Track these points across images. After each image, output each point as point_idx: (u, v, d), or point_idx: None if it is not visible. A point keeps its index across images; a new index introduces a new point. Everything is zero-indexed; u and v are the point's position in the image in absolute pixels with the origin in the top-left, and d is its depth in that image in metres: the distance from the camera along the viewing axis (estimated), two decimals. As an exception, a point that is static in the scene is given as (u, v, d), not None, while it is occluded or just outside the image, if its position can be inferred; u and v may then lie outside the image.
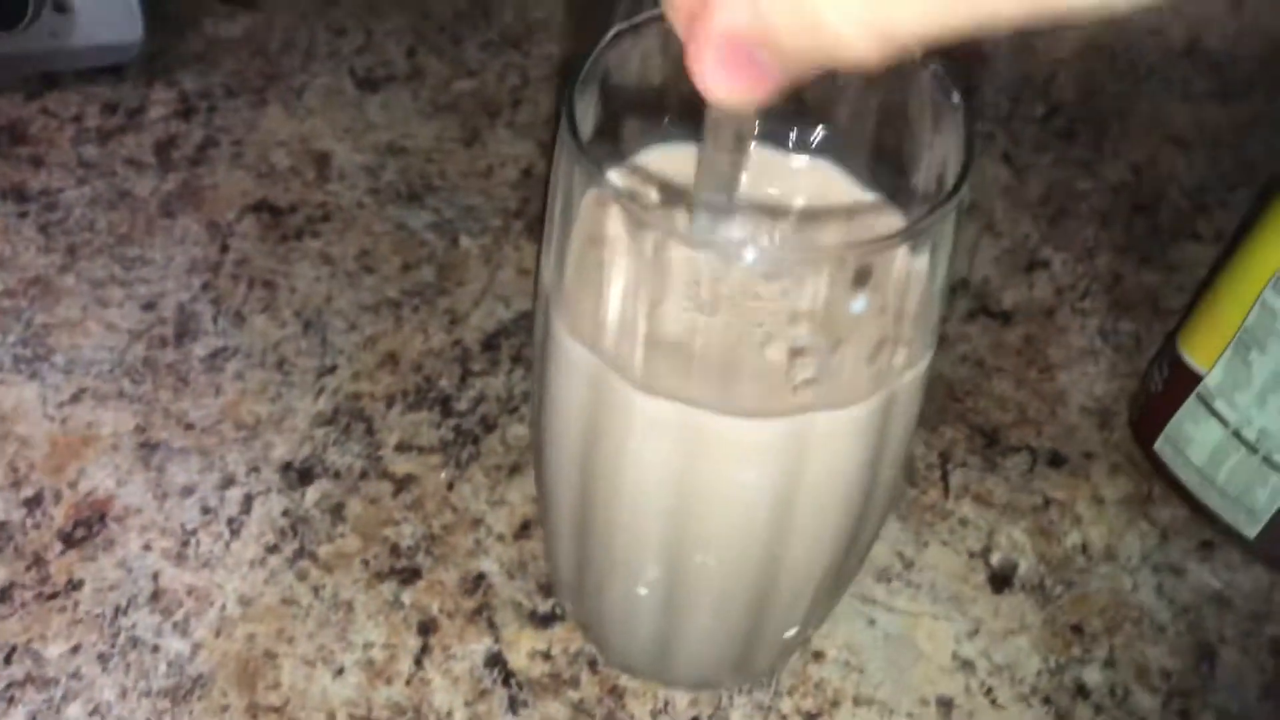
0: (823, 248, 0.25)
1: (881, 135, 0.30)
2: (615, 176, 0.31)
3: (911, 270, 0.25)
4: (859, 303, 0.25)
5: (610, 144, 0.31)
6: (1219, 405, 0.38)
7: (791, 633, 0.34)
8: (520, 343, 0.43)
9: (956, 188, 0.25)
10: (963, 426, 0.42)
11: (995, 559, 0.39)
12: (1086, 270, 0.48)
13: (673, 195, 0.30)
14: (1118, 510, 0.40)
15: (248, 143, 0.50)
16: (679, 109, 0.30)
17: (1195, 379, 0.38)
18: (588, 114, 0.28)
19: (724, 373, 0.27)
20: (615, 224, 0.25)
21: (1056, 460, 0.41)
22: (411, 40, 0.55)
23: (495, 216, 0.48)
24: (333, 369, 0.42)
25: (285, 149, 0.50)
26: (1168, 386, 0.40)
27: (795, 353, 0.27)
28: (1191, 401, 0.38)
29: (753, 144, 0.28)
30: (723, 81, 0.19)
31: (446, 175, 0.49)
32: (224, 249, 0.46)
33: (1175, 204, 0.51)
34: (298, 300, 0.44)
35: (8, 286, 0.44)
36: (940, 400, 0.43)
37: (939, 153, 0.27)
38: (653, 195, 0.30)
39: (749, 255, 0.24)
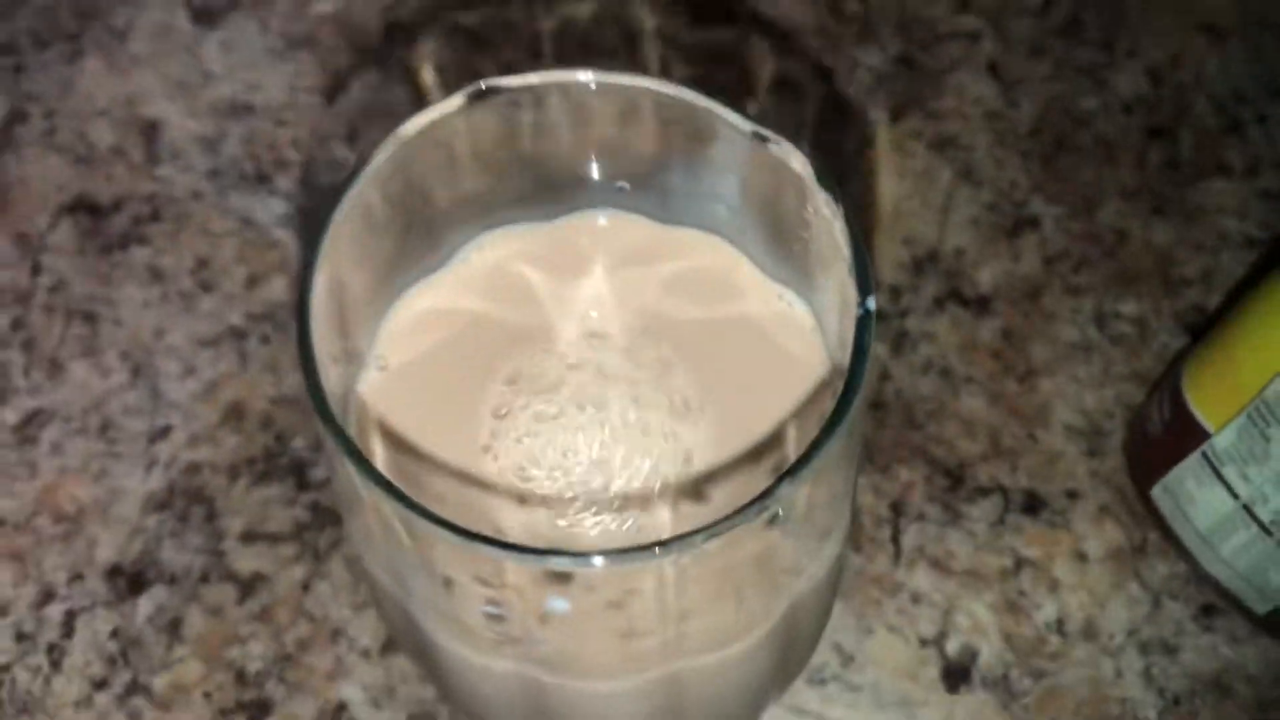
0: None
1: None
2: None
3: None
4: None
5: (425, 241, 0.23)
6: (1228, 473, 0.30)
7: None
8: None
9: (813, 448, 0.17)
10: (920, 464, 0.35)
11: (952, 646, 0.33)
12: (1084, 229, 0.39)
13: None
14: (1103, 569, 0.34)
15: (63, 114, 0.41)
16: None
17: (1202, 434, 0.31)
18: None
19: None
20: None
21: (1033, 504, 0.35)
22: (259, -54, 0.45)
23: (363, 197, 0.39)
24: (165, 432, 0.35)
25: (107, 119, 0.41)
26: (1168, 431, 0.32)
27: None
28: (1196, 459, 0.31)
29: None
30: None
31: (300, 143, 0.40)
32: (36, 270, 0.38)
33: (1201, 122, 0.41)
34: (124, 336, 0.37)
35: None
36: (896, 428, 0.35)
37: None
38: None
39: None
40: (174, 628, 0.33)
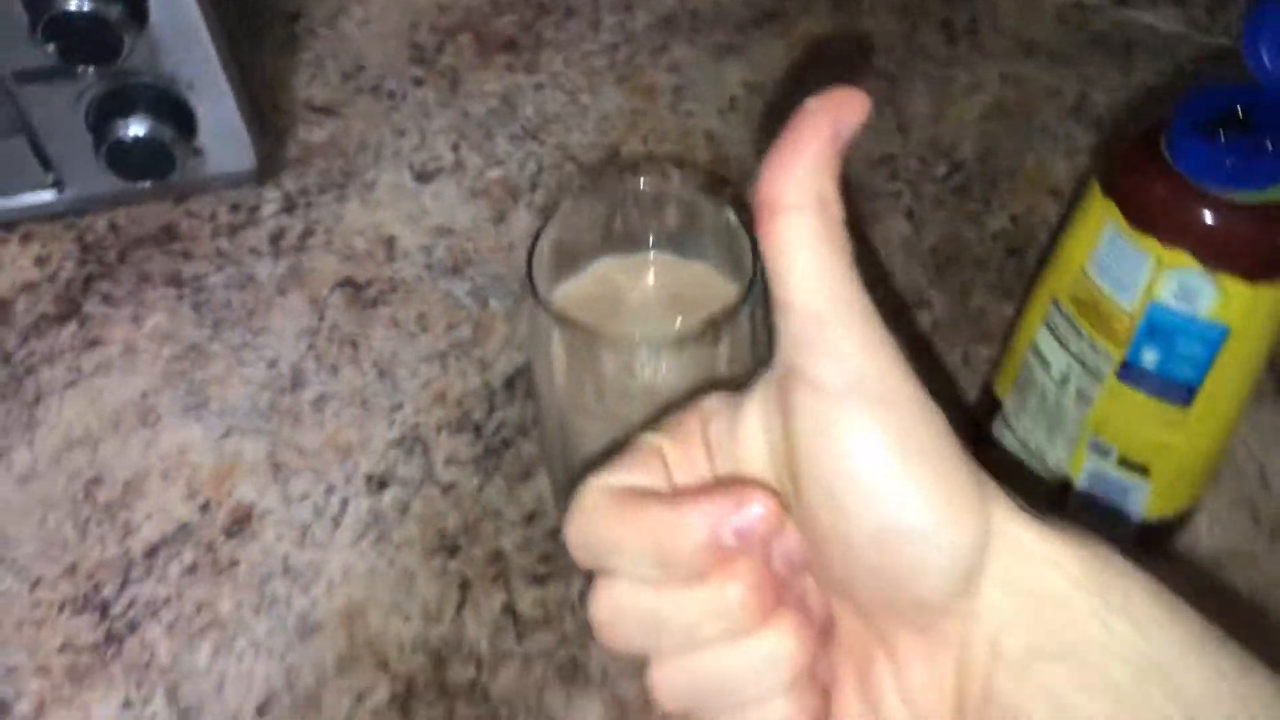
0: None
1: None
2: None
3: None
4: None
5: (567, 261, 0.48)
6: (1011, 423, 0.53)
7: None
8: (530, 382, 0.61)
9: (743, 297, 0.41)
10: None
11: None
12: (960, 310, 0.63)
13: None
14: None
15: (336, 232, 0.67)
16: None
17: (997, 403, 0.54)
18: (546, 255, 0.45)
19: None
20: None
21: (915, 459, 0.57)
22: (456, 137, 0.72)
23: (515, 283, 0.65)
24: (400, 406, 0.60)
25: (363, 236, 0.67)
26: (980, 406, 0.55)
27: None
28: (1000, 418, 0.54)
29: None
30: None
31: (479, 251, 0.66)
32: (321, 318, 0.64)
33: (1042, 247, 0.65)
34: (375, 355, 0.62)
35: (175, 353, 0.62)
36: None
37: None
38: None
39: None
40: (402, 510, 0.56)
